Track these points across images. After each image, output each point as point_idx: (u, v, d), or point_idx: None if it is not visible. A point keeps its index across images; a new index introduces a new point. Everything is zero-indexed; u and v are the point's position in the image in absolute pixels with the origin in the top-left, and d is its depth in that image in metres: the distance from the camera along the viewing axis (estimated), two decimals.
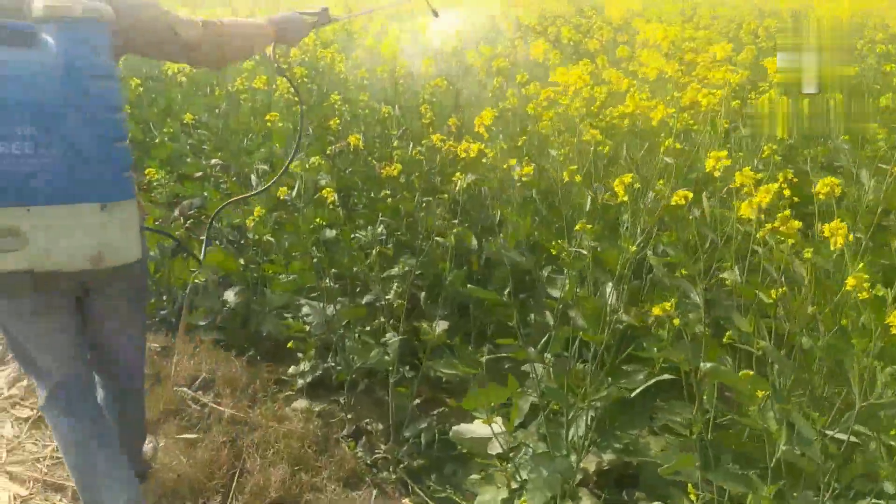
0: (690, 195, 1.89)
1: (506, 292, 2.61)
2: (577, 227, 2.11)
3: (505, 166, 2.78)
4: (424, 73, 4.17)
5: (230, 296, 3.14)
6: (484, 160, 2.82)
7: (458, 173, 2.65)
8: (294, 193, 3.03)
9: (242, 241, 3.60)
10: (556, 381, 2.15)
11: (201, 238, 2.39)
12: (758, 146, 2.67)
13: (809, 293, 1.50)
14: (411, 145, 3.36)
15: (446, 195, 2.93)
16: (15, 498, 2.26)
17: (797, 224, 1.49)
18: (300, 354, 2.83)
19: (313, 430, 2.49)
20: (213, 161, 4.25)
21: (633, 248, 2.03)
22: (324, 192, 2.70)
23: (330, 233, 3.05)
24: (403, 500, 2.28)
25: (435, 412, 2.64)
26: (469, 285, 2.65)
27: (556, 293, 2.45)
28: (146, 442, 2.28)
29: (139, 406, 2.12)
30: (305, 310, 2.83)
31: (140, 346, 2.03)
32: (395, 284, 2.77)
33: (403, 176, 2.99)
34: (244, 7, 9.72)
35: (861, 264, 1.54)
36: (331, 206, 2.76)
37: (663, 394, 2.13)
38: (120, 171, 1.62)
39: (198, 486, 2.21)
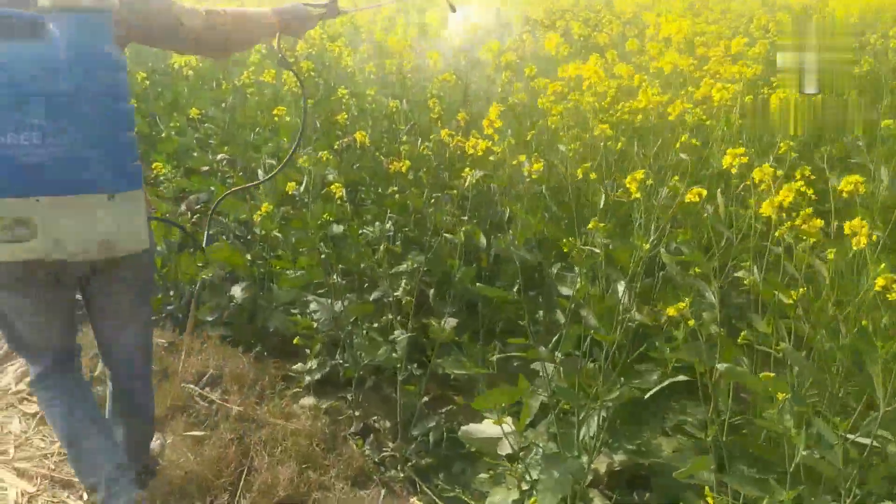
0: (705, 192, 1.86)
1: (515, 290, 2.58)
2: (591, 225, 2.08)
3: (514, 162, 2.75)
4: (433, 67, 4.14)
5: (237, 291, 3.12)
6: (492, 157, 2.79)
7: (466, 169, 2.62)
8: (302, 189, 3.01)
9: (249, 237, 3.57)
10: (567, 380, 2.12)
11: (208, 232, 2.38)
12: (773, 142, 2.63)
13: (831, 294, 1.47)
14: (419, 140, 3.33)
15: (455, 191, 2.90)
16: (23, 494, 2.25)
17: (819, 223, 1.46)
18: (307, 351, 2.82)
19: (321, 428, 2.47)
20: (219, 156, 4.23)
21: (647, 246, 2.00)
22: (332, 187, 2.68)
23: (338, 228, 3.03)
24: (412, 499, 2.26)
25: (443, 410, 2.62)
26: (478, 283, 2.62)
27: (566, 291, 2.42)
28: (153, 439, 2.27)
29: (146, 402, 2.10)
30: (313, 306, 2.81)
31: (144, 345, 2.02)
32: (404, 281, 2.74)
33: (411, 172, 2.96)
34: None
35: (882, 264, 1.50)
36: (339, 202, 2.74)
37: (675, 395, 2.10)
38: (127, 161, 1.62)
39: (205, 483, 2.19)
